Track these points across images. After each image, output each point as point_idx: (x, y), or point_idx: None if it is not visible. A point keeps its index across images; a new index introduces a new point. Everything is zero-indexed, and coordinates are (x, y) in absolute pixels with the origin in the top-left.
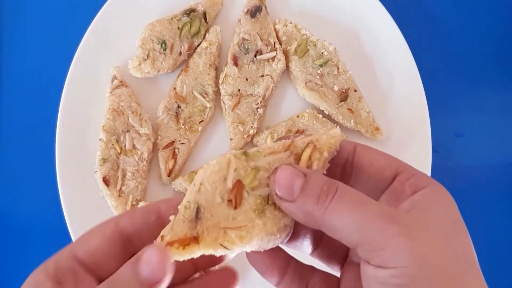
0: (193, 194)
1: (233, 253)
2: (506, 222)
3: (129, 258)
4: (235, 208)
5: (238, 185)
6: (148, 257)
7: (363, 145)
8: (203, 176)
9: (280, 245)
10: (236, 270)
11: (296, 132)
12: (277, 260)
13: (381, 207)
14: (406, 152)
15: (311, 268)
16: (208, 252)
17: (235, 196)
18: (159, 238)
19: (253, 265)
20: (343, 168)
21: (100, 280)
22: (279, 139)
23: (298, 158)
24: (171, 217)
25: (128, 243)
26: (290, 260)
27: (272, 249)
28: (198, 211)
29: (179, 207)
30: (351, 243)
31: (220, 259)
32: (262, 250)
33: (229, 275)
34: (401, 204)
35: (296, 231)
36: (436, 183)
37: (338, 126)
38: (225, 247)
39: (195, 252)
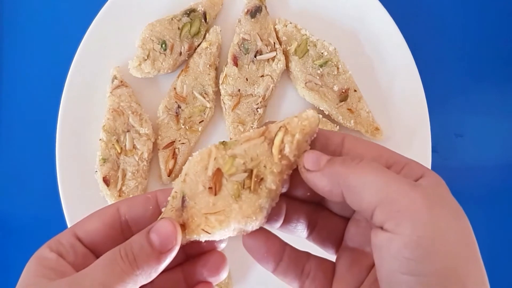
0: (179, 184)
1: (216, 237)
2: (506, 223)
3: None
4: (215, 194)
5: (218, 173)
6: (161, 228)
7: (351, 137)
8: (188, 167)
9: (276, 232)
10: (224, 253)
11: None
12: (272, 247)
13: (403, 177)
14: (406, 152)
15: (306, 254)
16: (193, 238)
17: (215, 183)
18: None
19: (250, 253)
20: None
21: None
22: (265, 124)
23: (272, 143)
24: (163, 209)
25: (127, 228)
26: (285, 247)
27: (267, 237)
28: (183, 200)
29: (168, 198)
30: (371, 202)
31: (211, 247)
32: (244, 234)
33: (217, 258)
34: None
35: (288, 216)
36: (430, 171)
37: (338, 126)
38: (206, 232)
39: (183, 239)
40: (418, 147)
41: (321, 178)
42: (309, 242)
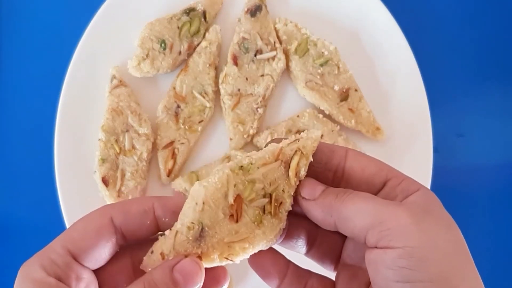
0: (197, 214)
1: (237, 262)
2: (507, 222)
3: (119, 250)
4: (237, 222)
5: (238, 200)
6: (186, 268)
7: (354, 151)
8: (206, 195)
9: (279, 249)
10: (225, 267)
11: (296, 132)
12: (276, 265)
13: (401, 190)
14: (407, 152)
15: (308, 271)
16: (212, 265)
17: (236, 211)
18: (159, 256)
19: (255, 270)
20: (335, 172)
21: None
22: (273, 141)
23: (287, 166)
24: (167, 232)
25: (121, 237)
26: (289, 264)
27: (272, 255)
28: (202, 230)
29: (178, 227)
30: (363, 227)
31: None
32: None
33: (218, 269)
34: None
35: (290, 231)
36: (425, 188)
37: (338, 126)
38: (230, 260)
39: None
40: (419, 147)
41: (315, 207)
42: (309, 260)
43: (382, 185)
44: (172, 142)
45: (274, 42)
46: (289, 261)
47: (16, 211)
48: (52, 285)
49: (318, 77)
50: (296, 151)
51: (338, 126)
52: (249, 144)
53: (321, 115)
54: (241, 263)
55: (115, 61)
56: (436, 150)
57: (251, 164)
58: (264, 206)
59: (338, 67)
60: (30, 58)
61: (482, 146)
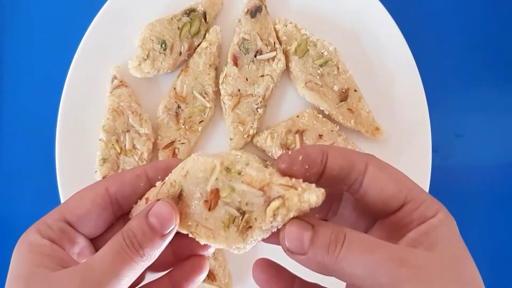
0: (180, 176)
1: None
2: (506, 223)
3: (117, 220)
4: (209, 210)
5: (216, 192)
6: (159, 210)
7: (374, 164)
8: (190, 167)
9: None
10: (205, 257)
11: (296, 132)
12: (281, 281)
13: (390, 250)
14: (406, 152)
15: (315, 286)
16: (182, 230)
17: (211, 201)
18: (143, 200)
19: (259, 286)
20: (350, 185)
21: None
22: (279, 158)
23: (268, 201)
24: (158, 183)
25: (117, 207)
26: (294, 279)
27: (275, 271)
28: (181, 193)
29: (166, 178)
30: (362, 286)
31: (203, 249)
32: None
33: (198, 261)
34: (408, 234)
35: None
36: (443, 211)
37: (338, 126)
38: (193, 236)
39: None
40: (418, 147)
41: (307, 263)
42: (316, 274)
43: (399, 207)
44: (172, 142)
45: (274, 43)
46: (295, 276)
47: (17, 211)
48: (46, 246)
49: (318, 77)
50: (279, 197)
51: (338, 126)
52: (249, 144)
53: (320, 115)
54: (241, 263)
55: (115, 62)
56: (435, 150)
57: (238, 174)
58: (235, 218)
59: (338, 68)
60: (31, 58)
61: (481, 146)
